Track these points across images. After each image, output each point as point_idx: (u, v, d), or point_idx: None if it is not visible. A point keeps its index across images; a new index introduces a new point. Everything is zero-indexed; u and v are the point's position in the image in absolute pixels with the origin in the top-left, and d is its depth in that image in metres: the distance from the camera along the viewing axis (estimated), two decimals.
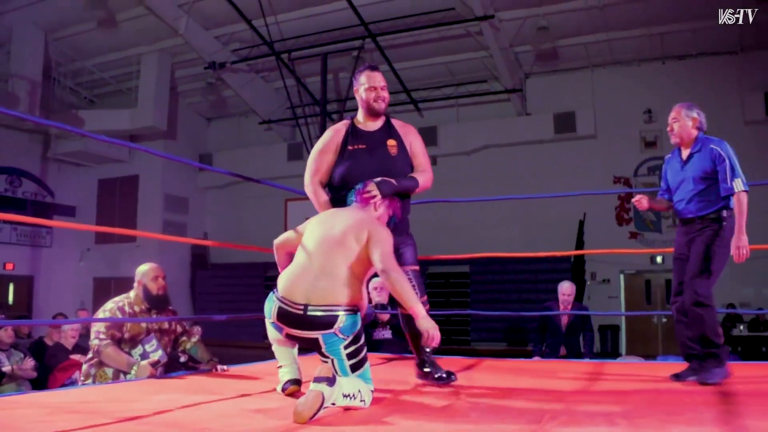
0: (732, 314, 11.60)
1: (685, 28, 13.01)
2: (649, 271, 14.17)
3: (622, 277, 14.35)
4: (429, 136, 14.51)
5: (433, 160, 3.67)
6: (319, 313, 2.81)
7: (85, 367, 4.02)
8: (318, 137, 15.25)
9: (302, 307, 2.83)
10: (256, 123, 17.01)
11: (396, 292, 2.89)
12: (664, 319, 13.74)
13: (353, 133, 3.50)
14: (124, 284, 16.99)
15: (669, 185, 3.86)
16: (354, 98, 11.62)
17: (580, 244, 13.59)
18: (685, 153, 3.73)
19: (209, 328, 10.94)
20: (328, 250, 2.95)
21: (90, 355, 4.02)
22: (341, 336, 2.82)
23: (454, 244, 11.78)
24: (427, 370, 3.48)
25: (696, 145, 3.68)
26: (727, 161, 3.58)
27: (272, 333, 3.09)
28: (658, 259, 13.74)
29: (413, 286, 3.22)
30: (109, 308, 4.04)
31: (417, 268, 3.51)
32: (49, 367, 6.51)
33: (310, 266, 2.93)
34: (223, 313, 15.77)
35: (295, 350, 3.15)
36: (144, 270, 4.19)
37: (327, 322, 2.81)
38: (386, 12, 13.11)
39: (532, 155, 14.69)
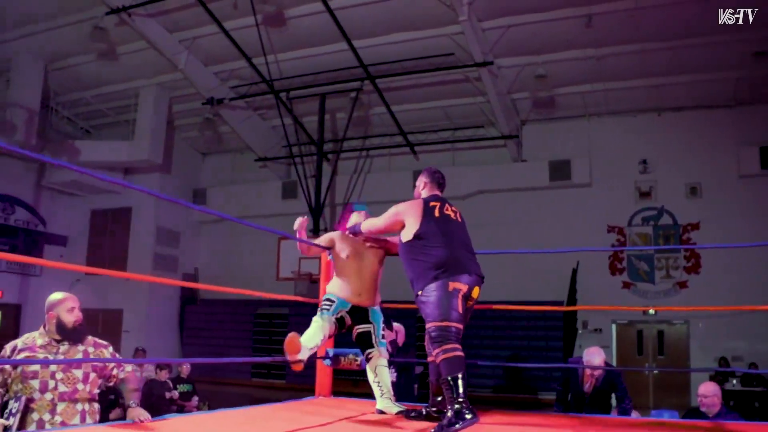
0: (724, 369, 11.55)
1: (681, 80, 13.13)
2: (642, 321, 14.07)
3: (614, 327, 14.24)
4: None
5: None
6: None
7: None
8: (313, 176, 15.35)
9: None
10: (252, 160, 17.00)
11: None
12: (656, 371, 13.61)
13: None
14: (111, 316, 16.90)
15: None
16: (349, 139, 11.63)
17: (572, 293, 13.51)
18: None
19: (195, 365, 10.78)
20: None
21: None
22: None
23: None
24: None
25: None
26: None
27: None
28: (651, 310, 13.66)
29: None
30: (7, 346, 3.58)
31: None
32: None
33: None
34: (211, 349, 15.58)
35: None
36: (57, 300, 3.66)
37: None
38: (385, 55, 13.22)
39: (527, 202, 14.70)
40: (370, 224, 4.18)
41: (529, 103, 14.33)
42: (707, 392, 5.22)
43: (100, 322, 16.68)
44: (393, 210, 3.99)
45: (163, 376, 9.31)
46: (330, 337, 4.22)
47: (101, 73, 14.76)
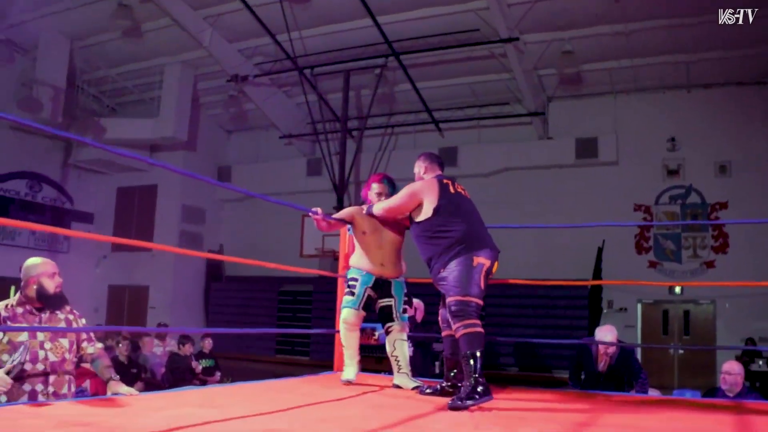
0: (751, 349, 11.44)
1: (711, 56, 12.87)
2: (668, 301, 13.92)
3: (639, 306, 14.13)
4: (449, 157, 14.44)
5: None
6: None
7: None
8: (338, 153, 15.34)
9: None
10: (277, 137, 17.03)
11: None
12: (681, 351, 13.50)
13: None
14: (138, 293, 17.14)
15: None
16: (374, 116, 11.55)
17: (597, 272, 13.40)
18: None
19: (220, 341, 10.89)
20: None
21: None
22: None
23: None
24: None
25: None
26: None
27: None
28: (677, 289, 13.52)
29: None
30: None
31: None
32: None
33: None
34: (236, 326, 15.72)
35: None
36: (37, 265, 3.48)
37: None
38: (410, 31, 13.10)
39: (552, 180, 14.56)
40: (384, 206, 4.12)
41: (556, 79, 14.15)
42: (731, 370, 5.14)
43: (127, 299, 16.92)
44: (408, 190, 3.95)
45: (186, 350, 9.40)
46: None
47: (126, 51, 14.80)
